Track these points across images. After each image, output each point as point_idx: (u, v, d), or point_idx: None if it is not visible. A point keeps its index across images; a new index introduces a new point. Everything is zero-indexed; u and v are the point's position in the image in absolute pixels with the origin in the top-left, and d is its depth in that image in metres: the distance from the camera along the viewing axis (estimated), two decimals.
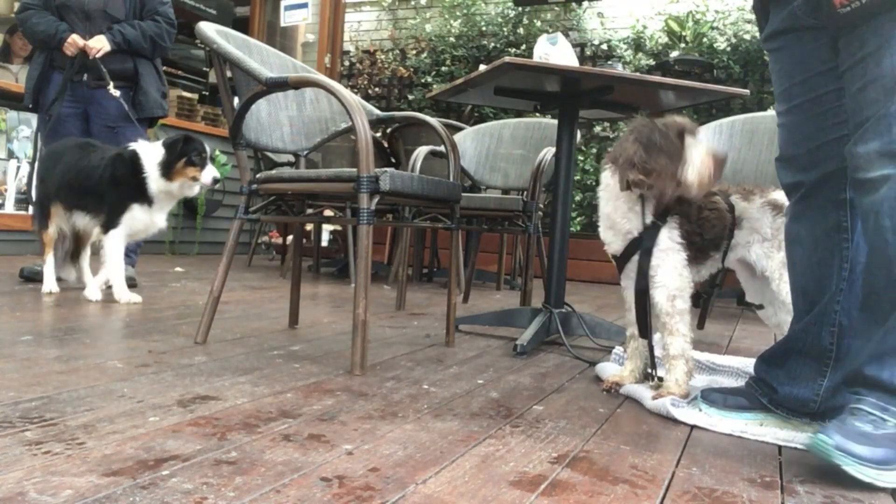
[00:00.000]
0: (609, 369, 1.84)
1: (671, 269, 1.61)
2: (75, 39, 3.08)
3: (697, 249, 1.67)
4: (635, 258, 1.65)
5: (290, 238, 4.98)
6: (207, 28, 2.02)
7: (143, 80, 3.25)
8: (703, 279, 1.78)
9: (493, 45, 6.21)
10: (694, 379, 1.72)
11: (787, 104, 1.44)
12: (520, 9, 6.17)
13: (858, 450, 1.15)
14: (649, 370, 1.75)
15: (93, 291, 2.77)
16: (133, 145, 2.79)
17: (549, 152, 3.28)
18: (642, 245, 1.63)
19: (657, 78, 2.16)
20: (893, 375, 1.22)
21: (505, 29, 6.21)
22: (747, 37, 5.32)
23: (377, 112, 2.39)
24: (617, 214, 1.66)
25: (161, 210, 2.82)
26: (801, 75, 1.39)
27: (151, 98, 3.29)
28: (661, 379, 1.69)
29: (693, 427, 1.45)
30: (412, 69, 6.50)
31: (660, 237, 1.61)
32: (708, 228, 1.66)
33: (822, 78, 1.36)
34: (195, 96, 5.97)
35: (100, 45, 3.10)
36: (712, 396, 1.53)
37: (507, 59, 2.01)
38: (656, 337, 2.21)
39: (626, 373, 1.75)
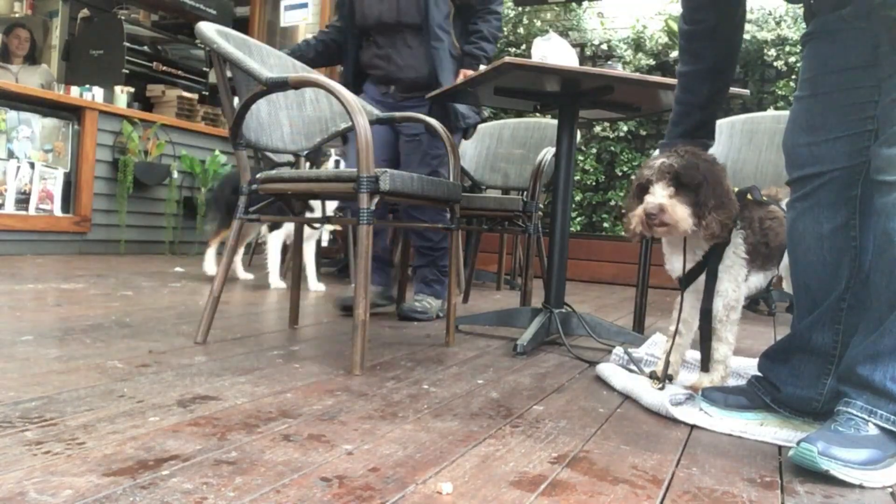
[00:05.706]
0: (609, 370, 1.84)
1: (732, 281, 1.63)
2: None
3: (764, 258, 1.67)
4: (702, 278, 1.65)
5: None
6: (207, 28, 2.02)
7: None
8: (763, 285, 1.76)
9: None
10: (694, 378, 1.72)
11: (811, 90, 1.41)
12: (520, 9, 6.17)
13: (842, 453, 1.16)
14: (654, 370, 1.75)
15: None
16: None
17: (549, 152, 3.27)
18: (709, 265, 1.63)
19: (657, 78, 2.16)
20: (885, 377, 1.23)
21: (505, 29, 6.21)
22: (747, 37, 5.32)
23: (377, 112, 2.39)
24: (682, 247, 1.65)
25: None
26: (838, 66, 1.36)
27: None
28: (670, 379, 1.70)
29: (693, 427, 1.45)
30: None
31: (726, 254, 1.62)
32: (772, 237, 1.65)
33: (860, 73, 1.33)
34: (195, 96, 5.96)
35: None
36: (713, 395, 1.53)
37: (507, 59, 2.01)
38: (655, 338, 2.22)
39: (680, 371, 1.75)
